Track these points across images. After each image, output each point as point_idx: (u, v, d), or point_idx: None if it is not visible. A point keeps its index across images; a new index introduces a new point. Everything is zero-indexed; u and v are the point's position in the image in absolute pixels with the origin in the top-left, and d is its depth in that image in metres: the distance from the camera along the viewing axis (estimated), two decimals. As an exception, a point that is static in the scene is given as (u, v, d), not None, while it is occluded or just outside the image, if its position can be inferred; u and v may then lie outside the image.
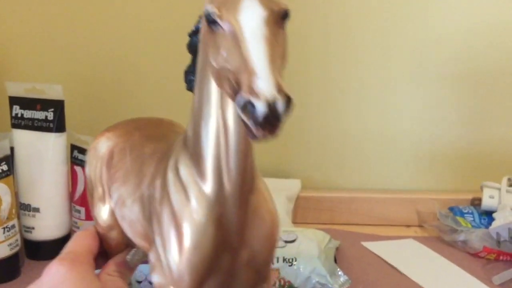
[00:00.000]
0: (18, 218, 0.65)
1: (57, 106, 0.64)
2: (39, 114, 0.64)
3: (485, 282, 0.63)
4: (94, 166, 0.42)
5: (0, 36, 0.80)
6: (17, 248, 0.62)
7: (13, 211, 0.62)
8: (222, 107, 0.30)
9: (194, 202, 0.32)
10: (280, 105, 0.23)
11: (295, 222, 0.78)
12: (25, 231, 0.66)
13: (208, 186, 0.32)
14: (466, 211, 0.77)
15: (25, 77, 0.80)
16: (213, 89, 0.30)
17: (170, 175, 0.33)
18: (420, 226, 0.81)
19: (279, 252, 0.58)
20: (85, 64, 0.80)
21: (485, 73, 0.80)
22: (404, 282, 0.62)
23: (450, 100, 0.81)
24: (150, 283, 0.58)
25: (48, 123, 0.64)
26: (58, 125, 0.64)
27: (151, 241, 0.35)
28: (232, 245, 0.33)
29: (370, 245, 0.72)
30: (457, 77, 0.80)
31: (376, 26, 0.79)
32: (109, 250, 0.43)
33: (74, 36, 0.79)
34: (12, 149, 0.64)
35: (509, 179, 0.76)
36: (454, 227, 0.73)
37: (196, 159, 0.32)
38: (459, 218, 0.75)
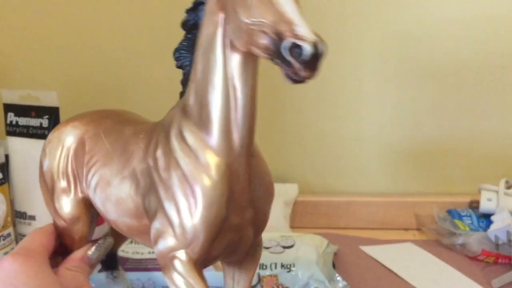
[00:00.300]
0: (14, 226, 0.64)
1: (52, 113, 0.63)
2: (34, 121, 0.63)
3: (484, 285, 0.63)
4: (57, 157, 0.42)
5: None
6: (12, 257, 0.62)
7: (9, 219, 0.62)
8: (231, 72, 0.32)
9: (205, 163, 0.34)
10: (322, 46, 0.27)
11: (292, 226, 0.78)
12: (21, 239, 0.65)
13: (219, 148, 0.34)
14: (464, 214, 0.77)
15: (20, 84, 0.80)
16: (220, 57, 0.32)
17: (175, 143, 0.35)
18: (418, 229, 0.80)
19: (277, 258, 0.58)
20: (80, 70, 0.79)
21: (484, 71, 0.80)
22: (403, 286, 0.62)
23: (446, 102, 0.81)
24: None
25: (43, 130, 0.63)
26: (53, 132, 0.63)
27: (141, 216, 0.37)
28: (240, 204, 0.35)
29: (368, 249, 0.72)
30: (454, 78, 0.80)
31: (369, 25, 0.79)
32: (71, 245, 0.44)
33: (69, 42, 0.79)
34: (6, 156, 0.64)
35: (507, 182, 0.76)
36: (453, 230, 0.73)
37: (203, 124, 0.34)
38: (457, 221, 0.75)
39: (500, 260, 0.69)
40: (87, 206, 0.43)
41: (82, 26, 0.78)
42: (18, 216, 0.65)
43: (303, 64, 0.26)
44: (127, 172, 0.38)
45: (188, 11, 0.36)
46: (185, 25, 0.36)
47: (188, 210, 0.33)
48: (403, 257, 0.70)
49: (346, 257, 0.69)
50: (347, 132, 0.82)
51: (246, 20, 0.29)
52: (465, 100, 0.81)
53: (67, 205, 0.42)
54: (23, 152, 0.64)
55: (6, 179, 0.61)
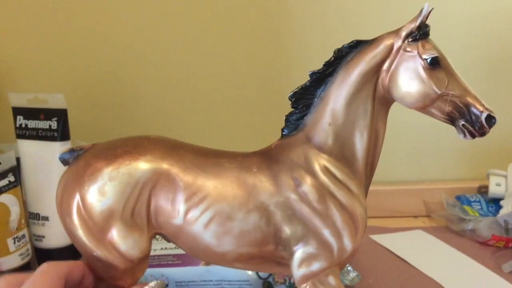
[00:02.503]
0: (28, 227, 0.65)
1: (61, 115, 0.64)
2: (43, 124, 0.64)
3: (495, 270, 0.63)
4: (127, 195, 0.39)
5: (1, 48, 0.81)
6: (28, 258, 0.63)
7: (22, 221, 0.63)
8: (376, 120, 0.41)
9: (356, 193, 0.40)
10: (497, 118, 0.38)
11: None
12: (36, 240, 0.66)
13: (361, 178, 0.41)
14: (473, 199, 0.77)
15: (27, 87, 0.80)
16: (370, 108, 0.41)
17: (324, 178, 0.40)
18: (428, 216, 0.81)
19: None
20: (87, 71, 0.80)
21: (489, 59, 0.80)
22: (414, 274, 0.62)
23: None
24: None
25: (52, 132, 0.64)
26: (62, 134, 0.64)
27: (266, 244, 0.40)
28: None
29: (378, 238, 0.72)
30: (458, 63, 0.80)
31: (371, 16, 0.79)
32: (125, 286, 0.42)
33: (74, 45, 0.79)
34: (18, 159, 0.65)
35: (515, 166, 0.76)
36: (462, 216, 0.73)
37: (348, 161, 0.41)
38: (466, 207, 0.75)
39: (510, 245, 0.69)
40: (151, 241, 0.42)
41: (88, 28, 0.79)
42: (31, 217, 0.66)
43: (487, 128, 0.38)
44: (252, 205, 0.39)
45: (327, 64, 0.41)
46: (318, 74, 0.41)
47: (350, 235, 0.39)
48: (413, 244, 0.70)
49: (357, 246, 0.69)
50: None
51: (437, 90, 0.39)
52: (472, 86, 0.81)
53: (140, 244, 0.40)
54: (33, 154, 0.65)
55: (18, 181, 0.62)
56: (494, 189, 0.75)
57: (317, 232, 0.39)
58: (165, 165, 0.40)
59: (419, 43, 0.39)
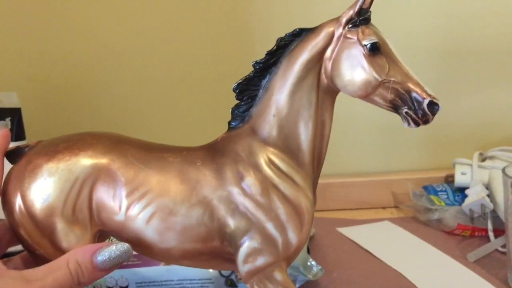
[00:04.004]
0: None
1: (14, 114, 0.62)
2: (-3, 124, 0.62)
3: (460, 260, 0.63)
4: (67, 192, 0.38)
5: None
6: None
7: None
8: (322, 110, 0.40)
9: (301, 185, 0.39)
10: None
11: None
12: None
13: (308, 170, 0.40)
14: (439, 189, 0.77)
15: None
16: (314, 98, 0.40)
17: (268, 170, 0.39)
18: (396, 207, 0.81)
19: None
20: (40, 68, 0.77)
21: (452, 46, 0.80)
22: (379, 267, 0.62)
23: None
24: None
25: (6, 132, 0.62)
26: (17, 134, 0.63)
27: (211, 239, 0.39)
28: None
29: (345, 231, 0.72)
30: (422, 52, 0.80)
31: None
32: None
33: (27, 39, 0.77)
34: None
35: (480, 154, 0.76)
36: (428, 206, 0.73)
37: (293, 153, 0.40)
38: (433, 197, 0.75)
39: (476, 233, 0.70)
40: (96, 239, 0.41)
41: (41, 20, 0.76)
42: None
43: (431, 115, 0.37)
44: (195, 199, 0.39)
45: (269, 53, 0.40)
46: (258, 66, 0.40)
47: (295, 228, 0.39)
48: (379, 236, 0.70)
49: (323, 240, 0.69)
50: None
51: (378, 77, 0.37)
52: (437, 77, 0.81)
53: (83, 241, 0.39)
54: (-12, 155, 0.63)
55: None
56: (460, 178, 0.75)
57: (260, 226, 0.38)
58: (105, 160, 0.39)
59: (359, 29, 0.38)
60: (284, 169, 0.39)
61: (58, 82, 0.78)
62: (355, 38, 0.38)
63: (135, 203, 0.39)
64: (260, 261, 0.39)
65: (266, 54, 0.40)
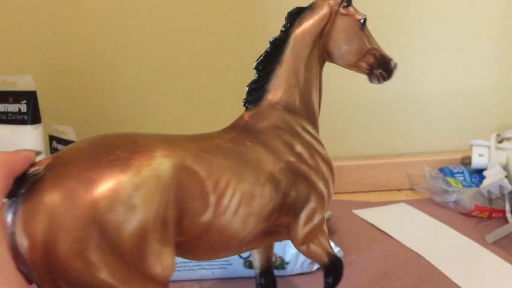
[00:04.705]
0: (2, 214, 0.64)
1: (30, 97, 0.62)
2: (12, 107, 0.62)
3: (479, 241, 0.63)
4: (158, 202, 0.32)
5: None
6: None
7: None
8: (321, 78, 0.45)
9: (322, 145, 0.44)
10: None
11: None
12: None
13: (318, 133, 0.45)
14: (456, 171, 0.76)
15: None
16: (317, 68, 0.44)
17: (307, 136, 0.43)
18: (411, 189, 0.80)
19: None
20: (55, 51, 0.77)
21: (476, 31, 0.79)
22: (396, 247, 0.62)
23: (434, 59, 0.80)
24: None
25: (22, 116, 0.62)
26: (33, 117, 0.62)
27: (271, 215, 0.39)
28: None
29: (361, 213, 0.71)
30: (443, 35, 0.79)
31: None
32: None
33: (42, 24, 0.76)
34: (-12, 145, 0.63)
35: (497, 135, 0.75)
36: (445, 188, 0.72)
37: (310, 118, 0.44)
38: (449, 179, 0.74)
39: (494, 215, 0.69)
40: None
41: (55, 5, 0.76)
42: (5, 203, 0.64)
43: (393, 74, 0.43)
44: (263, 178, 0.39)
45: (285, 30, 0.43)
46: (275, 43, 0.43)
47: (332, 182, 0.43)
48: (396, 218, 0.70)
49: (339, 222, 0.69)
50: (334, 96, 0.80)
51: (368, 46, 0.44)
52: (453, 57, 0.80)
53: (172, 260, 0.33)
54: (4, 139, 0.63)
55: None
56: (477, 160, 0.74)
57: (315, 187, 0.41)
58: (179, 158, 0.34)
59: (351, 7, 0.44)
60: (314, 134, 0.43)
61: (72, 65, 0.77)
62: (349, 14, 0.44)
63: (223, 195, 0.36)
64: (317, 218, 0.42)
65: (282, 31, 0.43)
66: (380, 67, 0.44)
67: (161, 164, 0.33)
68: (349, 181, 0.80)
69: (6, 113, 0.62)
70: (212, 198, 0.35)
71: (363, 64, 0.44)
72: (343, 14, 0.44)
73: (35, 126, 0.63)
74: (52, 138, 0.66)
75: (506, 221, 0.67)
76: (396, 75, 0.43)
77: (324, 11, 0.44)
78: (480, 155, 0.74)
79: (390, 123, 0.83)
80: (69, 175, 0.30)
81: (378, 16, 0.77)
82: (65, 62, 0.77)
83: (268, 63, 0.43)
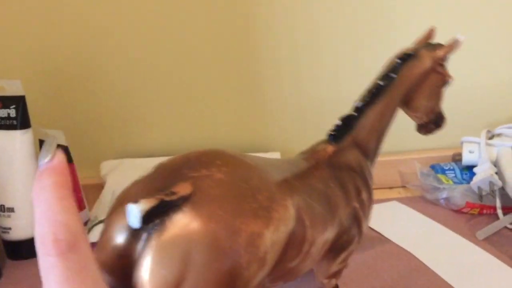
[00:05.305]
0: (-7, 219, 0.64)
1: (19, 102, 0.62)
2: (1, 112, 0.62)
3: (469, 238, 0.63)
4: (280, 248, 0.31)
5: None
6: (-6, 251, 0.61)
7: (-14, 213, 0.61)
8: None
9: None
10: None
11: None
12: (3, 232, 0.64)
13: None
14: (447, 167, 0.76)
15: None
16: (395, 113, 0.45)
17: (370, 182, 0.44)
18: (403, 187, 0.80)
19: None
20: (43, 55, 0.77)
21: (471, 29, 0.79)
22: (388, 247, 0.62)
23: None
24: None
25: (11, 121, 0.62)
26: (22, 122, 0.62)
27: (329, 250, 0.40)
28: None
29: (353, 212, 0.72)
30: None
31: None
32: None
33: (29, 26, 0.76)
34: (-23, 150, 0.62)
35: (488, 132, 0.76)
36: (436, 185, 0.73)
37: (373, 160, 0.45)
38: (440, 176, 0.75)
39: (484, 211, 0.69)
40: None
41: (43, 7, 0.76)
42: (-4, 209, 0.64)
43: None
44: (336, 223, 0.39)
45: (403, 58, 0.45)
46: (379, 86, 0.44)
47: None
48: (388, 216, 0.70)
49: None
50: (327, 96, 0.80)
51: (438, 106, 0.47)
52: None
53: None
54: (-6, 144, 0.62)
55: (-21, 173, 0.60)
56: (468, 156, 0.74)
57: (361, 232, 0.42)
58: (297, 207, 0.33)
59: (444, 66, 0.45)
60: (372, 176, 0.45)
61: (61, 70, 0.77)
62: (443, 73, 0.45)
63: (314, 244, 0.35)
64: (349, 258, 0.43)
65: (386, 76, 0.44)
66: (434, 122, 0.47)
67: (291, 218, 0.31)
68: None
69: (-5, 118, 0.62)
70: (306, 247, 0.34)
71: (425, 118, 0.46)
72: (437, 72, 0.45)
73: (25, 131, 0.62)
74: (42, 143, 0.66)
75: (497, 217, 0.67)
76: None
77: (427, 65, 0.44)
78: (471, 152, 0.74)
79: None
80: (214, 219, 0.26)
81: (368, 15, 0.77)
82: (54, 66, 0.77)
83: (367, 104, 0.43)
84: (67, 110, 0.79)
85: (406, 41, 0.79)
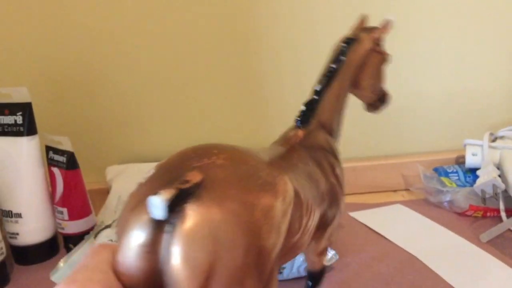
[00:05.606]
0: (1, 225, 0.64)
1: (25, 108, 0.62)
2: (8, 119, 0.62)
3: (473, 241, 0.63)
4: (287, 224, 0.33)
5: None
6: (2, 256, 0.62)
7: (-6, 219, 0.61)
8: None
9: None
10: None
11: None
12: (10, 237, 0.65)
13: None
14: (450, 170, 0.77)
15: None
16: (348, 95, 0.48)
17: (339, 157, 0.46)
18: (407, 190, 0.81)
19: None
20: (49, 62, 0.77)
21: (468, 32, 0.79)
22: (392, 249, 0.62)
23: (429, 59, 0.80)
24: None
25: (18, 127, 0.62)
26: (28, 128, 0.63)
27: (317, 228, 0.41)
28: None
29: (357, 215, 0.72)
30: (438, 36, 0.79)
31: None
32: None
33: (36, 34, 0.77)
34: (-15, 157, 0.63)
35: (491, 134, 0.76)
36: (440, 188, 0.73)
37: (337, 141, 0.48)
38: (443, 179, 0.75)
39: (488, 214, 0.70)
40: None
41: (49, 15, 0.76)
42: (4, 215, 0.64)
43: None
44: (321, 199, 0.41)
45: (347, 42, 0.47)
46: (332, 69, 0.46)
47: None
48: (391, 219, 0.70)
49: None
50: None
51: (382, 85, 0.50)
52: (447, 58, 0.80)
53: (277, 281, 0.32)
54: (1, 150, 0.63)
55: (-13, 179, 0.61)
56: (471, 159, 0.74)
57: (340, 207, 0.44)
58: (293, 181, 0.35)
59: (382, 45, 0.48)
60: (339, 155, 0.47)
61: (67, 76, 0.78)
62: (382, 52, 0.48)
63: (309, 218, 0.38)
64: (334, 234, 0.46)
65: (336, 59, 0.46)
66: (380, 99, 0.51)
67: (291, 189, 0.33)
68: (345, 183, 0.80)
69: (2, 125, 0.63)
70: (304, 221, 0.36)
71: (373, 96, 0.50)
72: (377, 51, 0.48)
73: (31, 138, 0.63)
74: (48, 149, 0.67)
75: (500, 220, 0.67)
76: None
77: (367, 46, 0.47)
78: (474, 155, 0.74)
79: (384, 124, 0.83)
80: (229, 198, 0.28)
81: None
82: (60, 73, 0.78)
83: (325, 87, 0.46)
84: (73, 117, 0.79)
85: (406, 41, 0.80)
